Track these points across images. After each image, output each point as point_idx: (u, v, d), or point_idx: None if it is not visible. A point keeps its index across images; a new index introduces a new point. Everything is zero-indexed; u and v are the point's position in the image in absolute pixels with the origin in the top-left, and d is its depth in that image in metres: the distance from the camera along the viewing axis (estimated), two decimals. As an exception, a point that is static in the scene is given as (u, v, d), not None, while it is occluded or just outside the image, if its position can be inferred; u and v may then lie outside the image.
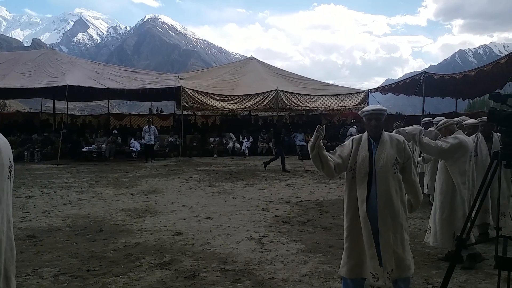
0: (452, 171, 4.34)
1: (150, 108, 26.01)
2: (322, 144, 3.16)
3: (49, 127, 20.30)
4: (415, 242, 4.77)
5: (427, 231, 4.64)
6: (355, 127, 13.72)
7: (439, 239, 4.38)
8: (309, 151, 3.21)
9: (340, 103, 19.17)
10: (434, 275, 4.07)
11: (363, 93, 19.47)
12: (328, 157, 3.22)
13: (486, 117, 5.20)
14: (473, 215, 2.99)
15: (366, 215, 3.12)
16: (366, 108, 3.29)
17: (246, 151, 18.28)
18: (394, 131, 4.27)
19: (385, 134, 3.25)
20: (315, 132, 3.12)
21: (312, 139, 3.15)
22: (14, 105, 39.51)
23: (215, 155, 17.96)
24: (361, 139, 3.27)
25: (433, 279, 3.96)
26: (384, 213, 3.10)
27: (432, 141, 4.45)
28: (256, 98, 18.26)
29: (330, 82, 32.97)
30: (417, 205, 3.40)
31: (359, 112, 3.48)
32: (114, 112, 26.83)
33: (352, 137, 3.36)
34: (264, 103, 18.29)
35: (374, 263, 3.07)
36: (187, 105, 17.60)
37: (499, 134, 5.20)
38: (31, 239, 5.35)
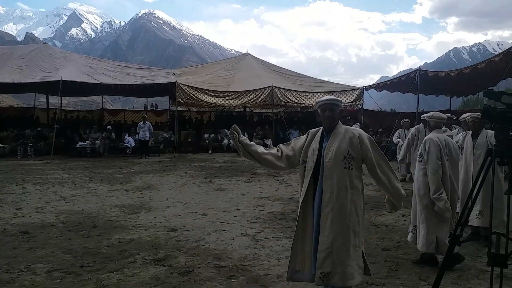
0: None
1: (145, 104, 25.89)
2: (247, 141, 3.11)
3: (42, 122, 20.15)
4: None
5: (411, 230, 4.47)
6: (357, 124, 13.63)
7: (420, 243, 4.24)
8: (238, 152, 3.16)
9: (335, 100, 19.17)
10: (428, 271, 4.10)
11: (358, 90, 19.53)
12: (269, 150, 3.16)
13: (478, 113, 5.22)
14: (466, 212, 3.00)
15: (301, 209, 3.00)
16: (321, 99, 3.10)
17: (241, 148, 18.25)
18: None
19: (342, 127, 3.02)
20: (229, 134, 3.10)
21: (231, 141, 3.10)
22: (7, 100, 39.04)
23: (210, 152, 17.95)
24: (317, 132, 3.12)
25: (426, 275, 3.99)
26: (326, 210, 2.90)
27: (435, 177, 4.11)
28: (251, 95, 18.25)
29: (325, 79, 33.03)
30: (398, 203, 3.11)
31: (314, 104, 3.33)
32: (108, 108, 26.63)
33: (310, 130, 3.21)
34: (259, 99, 18.28)
35: (307, 263, 2.99)
36: (182, 101, 17.53)
37: (487, 131, 5.23)
38: (24, 235, 5.31)
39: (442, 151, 4.21)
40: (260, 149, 3.16)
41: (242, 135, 3.14)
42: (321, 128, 3.09)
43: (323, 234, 2.88)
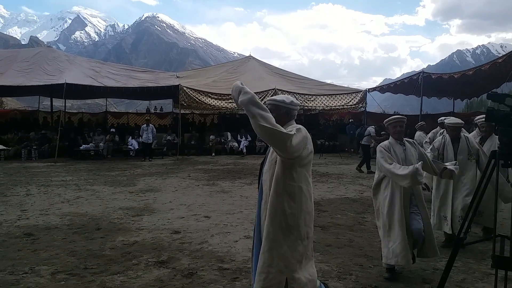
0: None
1: (148, 107, 25.97)
2: None
3: (46, 125, 20.24)
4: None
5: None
6: (373, 126, 13.50)
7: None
8: None
9: (338, 102, 19.21)
10: (431, 274, 4.08)
11: (361, 93, 19.52)
12: None
13: (452, 122, 5.16)
14: (470, 215, 2.99)
15: (256, 220, 2.75)
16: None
17: (244, 150, 18.29)
18: None
19: (291, 126, 2.70)
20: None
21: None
22: (11, 103, 39.35)
23: (213, 154, 17.99)
24: None
25: (430, 278, 3.97)
26: (261, 220, 2.68)
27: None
28: (254, 97, 18.24)
29: (328, 81, 33.08)
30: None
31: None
32: (112, 111, 26.75)
33: None
34: (262, 102, 18.26)
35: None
36: (185, 104, 17.58)
37: (467, 136, 5.17)
38: (28, 237, 5.33)
39: None
40: None
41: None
42: None
43: (262, 250, 2.62)
